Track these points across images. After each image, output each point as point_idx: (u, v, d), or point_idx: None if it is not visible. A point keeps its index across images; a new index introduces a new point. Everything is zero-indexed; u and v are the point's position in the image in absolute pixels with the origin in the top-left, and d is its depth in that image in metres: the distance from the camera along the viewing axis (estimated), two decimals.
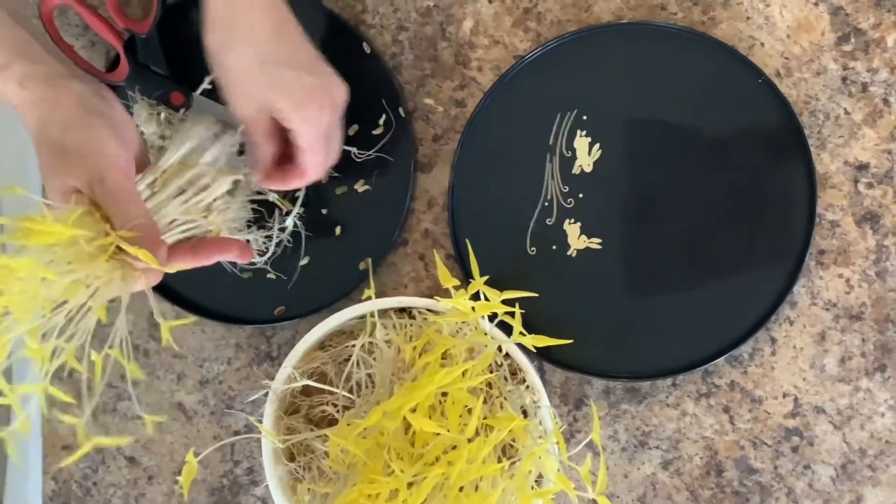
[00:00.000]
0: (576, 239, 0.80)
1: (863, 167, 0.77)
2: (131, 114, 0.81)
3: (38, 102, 0.66)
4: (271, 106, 0.70)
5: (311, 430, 0.76)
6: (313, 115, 0.71)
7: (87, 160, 0.65)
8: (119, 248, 0.63)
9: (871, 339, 0.78)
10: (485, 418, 0.69)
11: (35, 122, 0.66)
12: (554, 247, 0.80)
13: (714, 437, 0.80)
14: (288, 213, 0.82)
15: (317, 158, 0.73)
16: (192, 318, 0.84)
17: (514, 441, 0.72)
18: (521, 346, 0.73)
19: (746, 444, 0.80)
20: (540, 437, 0.73)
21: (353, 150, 0.81)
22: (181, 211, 0.72)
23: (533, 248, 0.80)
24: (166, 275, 0.84)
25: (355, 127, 0.81)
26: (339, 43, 0.81)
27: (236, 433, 0.85)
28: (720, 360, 0.78)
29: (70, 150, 0.65)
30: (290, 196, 0.82)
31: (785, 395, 0.79)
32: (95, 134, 0.66)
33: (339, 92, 0.72)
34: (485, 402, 0.72)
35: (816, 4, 0.77)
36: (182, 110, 0.81)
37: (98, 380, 0.65)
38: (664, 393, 0.80)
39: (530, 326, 0.79)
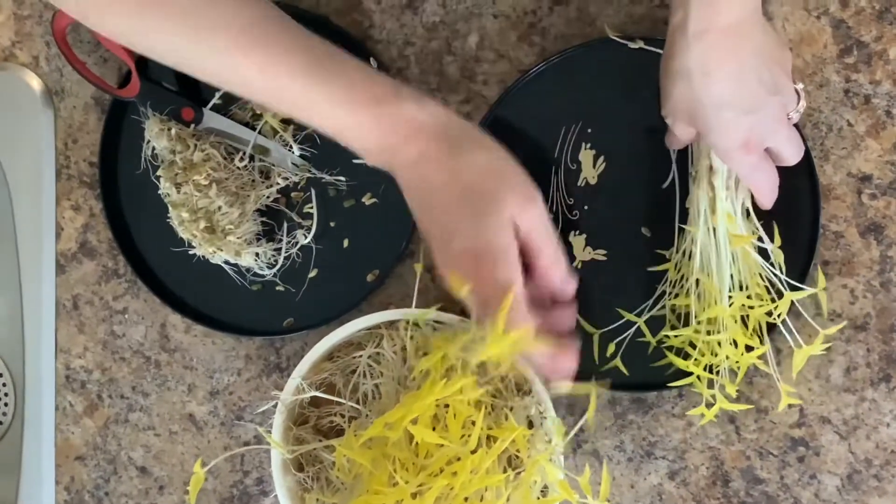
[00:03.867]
0: (581, 251, 0.81)
1: (866, 178, 0.78)
2: (143, 129, 0.83)
3: (441, 130, 0.61)
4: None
5: (320, 440, 0.77)
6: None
7: (518, 184, 0.63)
8: None
9: (876, 350, 0.78)
10: (490, 429, 0.69)
11: (447, 156, 0.62)
12: None
13: (720, 447, 0.81)
14: (297, 227, 0.83)
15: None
16: None
17: (518, 452, 0.72)
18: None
19: (752, 455, 0.80)
20: (544, 448, 0.73)
21: (363, 162, 0.82)
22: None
23: None
24: (177, 286, 0.86)
25: None
26: None
27: (246, 444, 0.86)
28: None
29: (499, 176, 0.62)
30: (301, 211, 0.83)
31: (790, 406, 0.79)
32: (505, 155, 0.63)
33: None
34: (490, 412, 0.72)
35: (819, 18, 0.77)
36: (193, 125, 0.82)
37: None
38: (670, 403, 0.81)
39: None
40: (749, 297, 0.74)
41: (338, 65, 0.62)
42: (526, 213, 0.62)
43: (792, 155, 0.72)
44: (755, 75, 0.65)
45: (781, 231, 0.76)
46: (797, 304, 0.77)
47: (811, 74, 0.78)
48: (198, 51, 0.61)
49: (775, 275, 0.75)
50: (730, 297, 0.74)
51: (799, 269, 0.77)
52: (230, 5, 0.61)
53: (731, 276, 0.74)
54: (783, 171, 0.73)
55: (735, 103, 0.65)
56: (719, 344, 0.74)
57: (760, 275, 0.75)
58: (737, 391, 0.79)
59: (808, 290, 0.74)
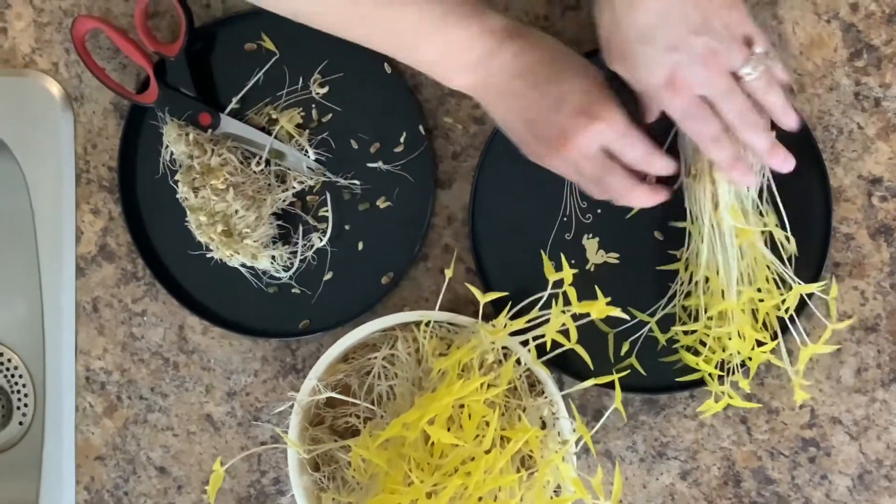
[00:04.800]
0: (594, 253, 0.81)
1: (876, 181, 0.78)
2: (161, 134, 0.84)
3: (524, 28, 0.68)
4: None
5: (335, 440, 0.78)
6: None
7: (605, 100, 0.68)
8: None
9: (887, 351, 0.78)
10: (503, 429, 0.70)
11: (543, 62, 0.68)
12: (573, 261, 0.81)
13: (732, 447, 0.81)
14: (312, 230, 0.84)
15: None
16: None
17: (532, 452, 0.73)
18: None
19: (764, 455, 0.81)
20: (557, 449, 0.74)
21: (377, 165, 0.83)
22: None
23: (552, 263, 0.81)
24: (195, 289, 0.87)
25: (377, 144, 0.83)
26: (361, 63, 0.83)
27: (263, 444, 0.87)
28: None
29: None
30: (316, 214, 0.85)
31: (801, 406, 0.80)
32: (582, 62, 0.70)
33: None
34: (503, 413, 0.73)
35: (829, 21, 0.78)
36: (210, 130, 0.83)
37: None
38: (682, 404, 0.82)
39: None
40: (759, 290, 0.75)
41: None
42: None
43: (732, 113, 0.68)
44: (680, 12, 0.64)
45: (793, 233, 0.77)
46: (811, 305, 0.78)
47: (821, 78, 0.78)
48: None
49: (784, 268, 0.75)
50: (739, 291, 0.75)
51: (811, 271, 0.78)
52: None
53: (739, 270, 0.75)
54: (795, 175, 0.74)
55: (656, 38, 0.65)
56: (729, 338, 0.74)
57: (769, 267, 0.75)
58: (749, 392, 0.79)
59: (817, 285, 0.75)
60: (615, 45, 0.67)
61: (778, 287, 0.76)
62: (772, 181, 0.76)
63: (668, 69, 0.66)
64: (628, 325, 0.80)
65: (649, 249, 0.80)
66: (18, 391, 1.00)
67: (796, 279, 0.75)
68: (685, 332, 0.78)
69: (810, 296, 0.77)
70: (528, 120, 0.69)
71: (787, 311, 0.75)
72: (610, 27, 0.66)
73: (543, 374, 0.75)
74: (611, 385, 0.80)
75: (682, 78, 0.66)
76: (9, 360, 1.00)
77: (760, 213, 0.76)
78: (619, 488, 0.68)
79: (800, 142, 0.77)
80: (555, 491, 0.75)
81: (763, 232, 0.77)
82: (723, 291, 0.75)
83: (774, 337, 0.76)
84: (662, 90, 0.67)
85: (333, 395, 0.78)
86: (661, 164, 0.71)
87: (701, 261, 0.76)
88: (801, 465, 0.80)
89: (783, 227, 0.76)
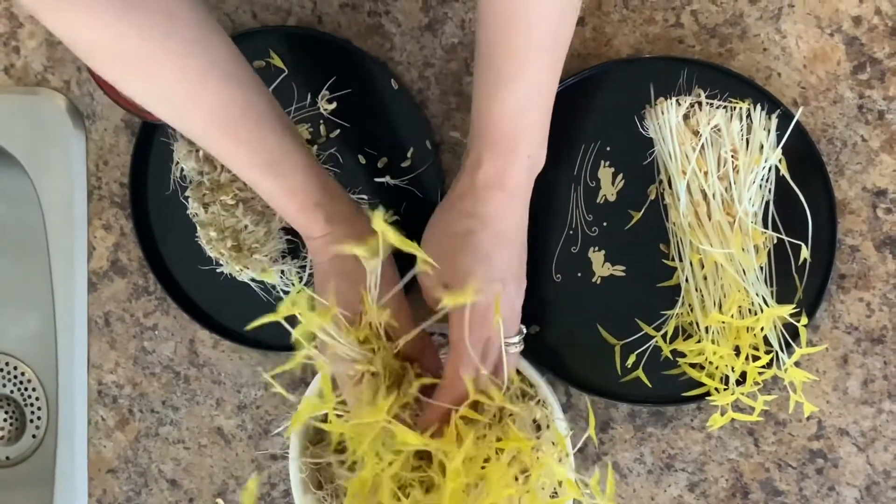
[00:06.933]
0: (600, 266, 0.82)
1: (881, 193, 0.79)
2: (171, 150, 0.85)
3: (339, 240, 0.71)
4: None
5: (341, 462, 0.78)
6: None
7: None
8: None
9: (893, 362, 0.79)
10: (498, 439, 0.70)
11: (332, 259, 0.72)
12: (579, 274, 0.82)
13: (739, 459, 0.81)
14: None
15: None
16: None
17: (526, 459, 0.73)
18: (532, 363, 0.75)
19: (771, 467, 0.81)
20: (558, 457, 0.74)
21: (385, 180, 0.84)
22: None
23: (558, 276, 0.82)
24: (205, 303, 0.88)
25: (384, 159, 0.84)
26: (369, 80, 0.84)
27: (273, 457, 0.88)
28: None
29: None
30: None
31: (809, 418, 0.80)
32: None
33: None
34: (499, 420, 0.73)
35: (832, 35, 0.78)
36: None
37: None
38: (689, 416, 0.82)
39: (554, 351, 0.81)
40: (740, 308, 0.76)
41: (289, 166, 0.71)
42: None
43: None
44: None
45: (798, 245, 0.78)
46: (817, 317, 0.78)
47: (825, 91, 0.79)
48: (181, 113, 0.69)
49: (762, 289, 0.76)
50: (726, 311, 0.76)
51: (817, 282, 0.78)
52: (217, 86, 0.67)
53: (717, 290, 0.77)
54: (798, 186, 0.74)
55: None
56: (714, 353, 0.75)
57: (746, 290, 0.76)
58: (754, 405, 0.80)
59: (787, 308, 0.74)
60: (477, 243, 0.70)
61: (766, 304, 0.76)
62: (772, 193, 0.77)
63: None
64: (635, 337, 0.81)
65: (655, 262, 0.81)
66: (32, 404, 1.01)
67: (770, 301, 0.76)
68: (679, 351, 0.79)
69: (815, 308, 0.77)
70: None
71: (762, 330, 0.75)
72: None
73: (537, 377, 0.75)
74: (618, 397, 0.81)
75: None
76: (22, 374, 1.01)
77: (765, 228, 0.77)
78: (612, 488, 0.68)
79: (804, 155, 0.78)
80: (552, 495, 0.75)
81: (765, 244, 0.77)
82: (718, 302, 0.76)
83: (781, 348, 0.77)
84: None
85: (332, 410, 0.78)
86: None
87: (690, 278, 0.77)
88: (809, 477, 0.80)
89: (791, 248, 0.77)
